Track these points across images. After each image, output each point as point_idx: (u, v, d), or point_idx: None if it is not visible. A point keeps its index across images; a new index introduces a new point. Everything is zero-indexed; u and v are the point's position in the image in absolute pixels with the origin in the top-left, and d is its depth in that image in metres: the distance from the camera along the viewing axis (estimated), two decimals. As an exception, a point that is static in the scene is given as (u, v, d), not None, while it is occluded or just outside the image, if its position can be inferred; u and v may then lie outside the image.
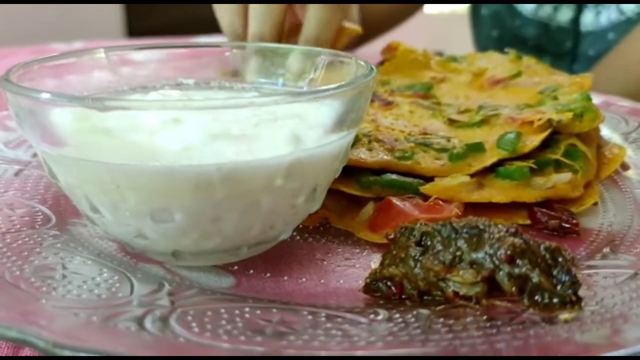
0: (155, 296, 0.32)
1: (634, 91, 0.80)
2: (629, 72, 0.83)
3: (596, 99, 0.58)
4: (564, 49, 0.99)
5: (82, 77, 0.43)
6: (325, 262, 0.39)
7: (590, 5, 0.95)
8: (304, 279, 0.37)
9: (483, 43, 1.13)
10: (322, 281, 0.37)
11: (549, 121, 0.47)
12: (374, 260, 0.39)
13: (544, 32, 1.00)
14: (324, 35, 0.60)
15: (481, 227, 0.31)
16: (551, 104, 0.51)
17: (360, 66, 0.40)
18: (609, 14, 0.93)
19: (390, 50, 0.68)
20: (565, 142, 0.48)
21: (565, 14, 0.97)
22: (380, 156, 0.45)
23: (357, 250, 0.40)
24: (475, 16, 1.12)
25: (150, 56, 0.47)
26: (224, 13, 0.62)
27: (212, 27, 0.67)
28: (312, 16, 0.60)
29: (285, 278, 0.37)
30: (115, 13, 2.55)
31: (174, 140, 0.32)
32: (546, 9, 0.99)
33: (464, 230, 0.32)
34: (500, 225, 0.31)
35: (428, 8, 1.29)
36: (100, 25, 2.46)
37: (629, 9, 0.90)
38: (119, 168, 0.31)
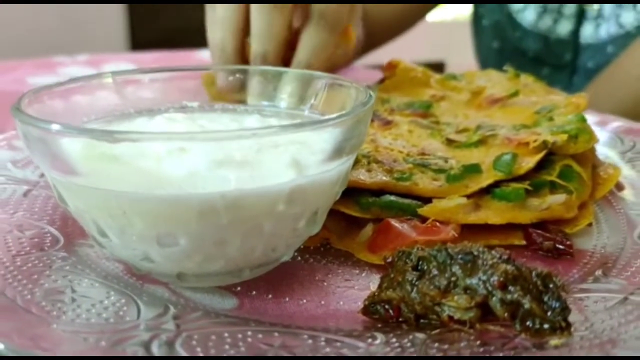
0: (160, 320, 0.33)
1: (633, 106, 0.81)
2: (627, 86, 0.84)
3: (592, 118, 0.60)
4: (563, 61, 1.01)
5: (89, 100, 0.45)
6: (325, 283, 0.40)
7: (590, 18, 0.96)
8: (305, 301, 0.38)
9: (484, 54, 1.14)
10: (323, 302, 0.38)
11: (544, 143, 0.48)
12: (373, 282, 0.40)
13: (544, 44, 1.01)
14: (317, 62, 0.61)
15: (475, 253, 0.33)
16: (547, 124, 0.52)
17: (360, 91, 0.41)
18: (608, 27, 0.94)
19: (390, 68, 0.69)
20: (561, 163, 0.49)
21: (565, 26, 0.98)
22: (379, 177, 0.46)
23: (357, 271, 0.42)
24: (476, 27, 1.13)
25: (155, 78, 0.48)
26: (216, 29, 0.62)
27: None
28: (306, 41, 0.61)
29: (287, 299, 0.38)
30: (117, 22, 2.57)
31: (180, 167, 0.33)
32: (546, 21, 1.00)
33: (459, 256, 0.33)
34: (493, 252, 0.33)
35: (430, 16, 1.29)
36: (102, 34, 2.48)
37: (629, 22, 0.91)
38: (126, 195, 0.32)
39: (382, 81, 0.69)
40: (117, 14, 2.58)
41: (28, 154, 0.43)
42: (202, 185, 0.33)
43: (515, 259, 0.32)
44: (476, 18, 1.13)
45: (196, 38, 0.90)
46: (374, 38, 1.09)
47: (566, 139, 0.49)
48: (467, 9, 1.22)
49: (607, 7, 0.93)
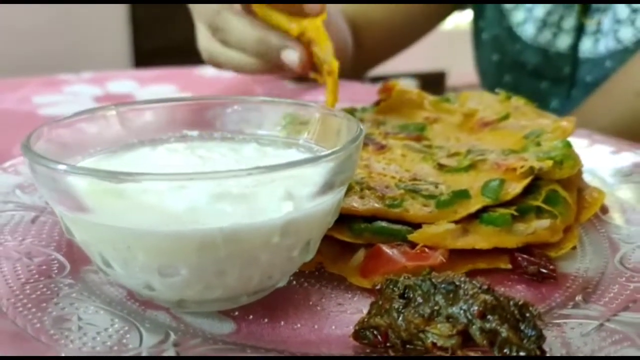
0: (161, 347, 0.35)
1: (630, 122, 0.82)
2: (625, 102, 0.86)
3: (581, 141, 0.62)
4: (562, 75, 1.02)
5: (95, 131, 0.47)
6: (319, 308, 0.42)
7: (589, 33, 0.97)
8: (299, 325, 0.40)
9: (483, 67, 1.15)
10: (316, 327, 0.40)
11: (531, 168, 0.50)
12: (365, 306, 0.41)
13: (543, 58, 1.03)
14: None
15: (457, 283, 0.35)
16: (534, 150, 0.54)
17: (351, 124, 0.43)
18: (607, 42, 0.95)
19: (386, 90, 0.71)
20: (547, 188, 0.51)
21: (564, 40, 1.00)
22: (371, 204, 0.48)
23: (349, 295, 0.44)
24: (476, 41, 1.15)
25: (156, 107, 0.50)
26: (201, 37, 0.69)
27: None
28: None
29: (282, 323, 0.40)
30: (122, 35, 2.60)
31: (180, 202, 0.35)
32: (546, 35, 1.01)
33: (442, 286, 0.35)
34: (474, 282, 0.35)
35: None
36: (106, 47, 2.52)
37: (627, 38, 0.93)
38: (129, 232, 0.34)
39: (378, 103, 0.71)
40: (121, 26, 2.61)
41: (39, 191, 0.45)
42: (202, 219, 0.35)
43: (494, 288, 0.34)
44: (476, 32, 1.14)
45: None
46: (367, 55, 1.10)
47: (551, 165, 0.51)
48: (468, 17, 1.23)
49: (606, 23, 0.95)
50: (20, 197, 0.53)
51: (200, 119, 0.50)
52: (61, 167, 0.34)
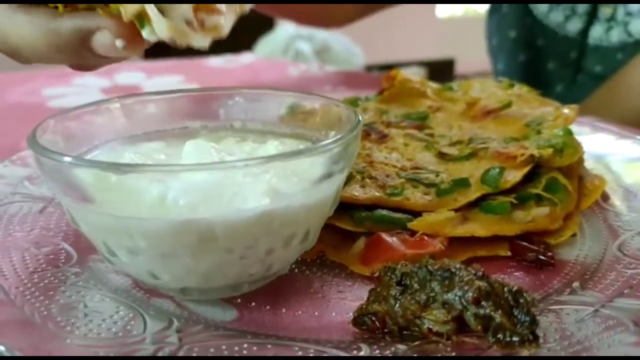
0: (165, 333, 0.36)
1: (635, 119, 0.80)
2: (630, 99, 0.84)
3: (583, 129, 0.62)
4: (568, 59, 1.00)
5: (101, 122, 0.48)
6: (320, 295, 0.43)
7: (602, 19, 0.94)
8: (300, 312, 0.41)
9: (499, 43, 1.10)
10: (317, 314, 0.41)
11: (531, 156, 0.51)
12: (365, 293, 0.42)
13: (552, 39, 1.00)
14: None
15: (453, 270, 0.35)
16: (535, 138, 0.55)
17: (350, 114, 0.44)
18: (619, 32, 0.92)
19: (389, 79, 0.72)
20: (547, 176, 0.51)
21: (575, 24, 0.97)
22: (372, 193, 0.49)
23: (350, 283, 0.44)
24: (493, 14, 1.11)
25: (159, 99, 0.51)
26: None
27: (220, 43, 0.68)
28: None
29: (284, 310, 0.41)
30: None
31: (181, 194, 0.36)
32: (558, 16, 0.98)
33: (438, 273, 0.35)
34: (469, 269, 0.35)
35: (440, 11, 1.26)
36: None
37: (637, 30, 0.90)
38: (133, 222, 0.35)
39: (381, 92, 0.71)
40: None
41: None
42: (201, 211, 0.36)
43: (489, 275, 0.35)
44: (495, 7, 1.10)
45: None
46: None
47: (552, 153, 0.51)
48: (476, 5, 1.20)
49: (621, 12, 0.92)
50: (28, 188, 0.54)
51: (203, 110, 0.51)
52: (66, 159, 0.35)
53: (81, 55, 0.41)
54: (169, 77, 1.07)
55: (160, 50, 0.56)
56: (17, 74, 1.09)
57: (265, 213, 0.36)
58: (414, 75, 0.76)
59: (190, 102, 0.51)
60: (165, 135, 0.49)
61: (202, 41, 0.40)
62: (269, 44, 2.59)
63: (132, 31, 0.39)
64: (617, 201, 0.53)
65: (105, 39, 0.39)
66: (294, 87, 0.97)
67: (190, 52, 0.51)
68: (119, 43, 0.39)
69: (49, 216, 0.50)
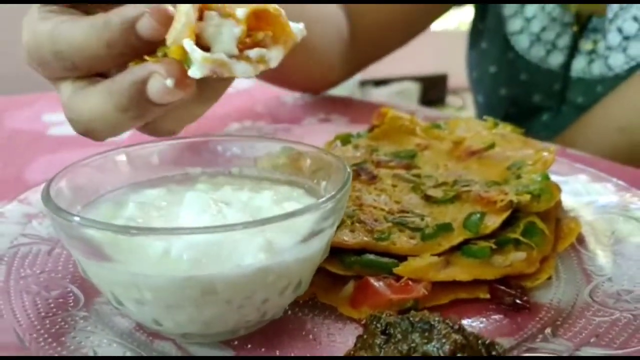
0: (168, 378, 0.39)
1: (611, 156, 0.82)
2: (605, 137, 0.87)
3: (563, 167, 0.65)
4: (552, 91, 1.03)
5: (106, 172, 0.51)
6: (311, 337, 0.46)
7: (584, 52, 0.97)
8: (292, 354, 0.44)
9: (478, 76, 1.14)
10: (308, 355, 0.44)
11: (510, 202, 0.54)
12: (353, 336, 0.46)
13: (535, 73, 1.04)
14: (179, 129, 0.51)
15: (432, 322, 0.39)
16: (514, 183, 0.58)
17: (339, 166, 0.48)
18: (600, 65, 0.95)
19: (380, 116, 0.75)
20: (525, 220, 0.55)
21: (556, 58, 1.00)
22: (360, 237, 0.52)
23: (340, 325, 0.48)
24: (474, 46, 1.14)
25: (162, 149, 0.54)
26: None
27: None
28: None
29: (277, 352, 0.44)
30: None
31: (185, 251, 0.40)
32: (539, 51, 1.02)
33: (419, 325, 0.39)
34: (447, 321, 0.39)
35: (433, 25, 1.23)
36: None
37: (617, 65, 0.92)
38: (139, 279, 0.39)
39: (372, 129, 0.75)
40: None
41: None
42: (204, 268, 0.39)
43: (464, 328, 0.38)
44: (475, 37, 1.12)
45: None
46: (360, 51, 1.06)
47: (529, 199, 0.55)
48: (468, 18, 1.20)
49: (601, 45, 0.95)
50: (36, 228, 0.57)
51: (202, 157, 0.55)
52: (77, 219, 0.39)
53: (144, 108, 0.42)
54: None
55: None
56: (18, 98, 1.10)
57: (261, 269, 0.40)
58: (408, 90, 0.79)
59: (190, 149, 0.55)
60: (167, 181, 0.53)
61: (247, 71, 0.41)
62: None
63: (180, 71, 0.40)
64: (591, 245, 0.56)
65: (157, 83, 0.41)
66: (288, 116, 1.01)
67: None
68: (169, 82, 0.40)
69: (57, 258, 0.53)
